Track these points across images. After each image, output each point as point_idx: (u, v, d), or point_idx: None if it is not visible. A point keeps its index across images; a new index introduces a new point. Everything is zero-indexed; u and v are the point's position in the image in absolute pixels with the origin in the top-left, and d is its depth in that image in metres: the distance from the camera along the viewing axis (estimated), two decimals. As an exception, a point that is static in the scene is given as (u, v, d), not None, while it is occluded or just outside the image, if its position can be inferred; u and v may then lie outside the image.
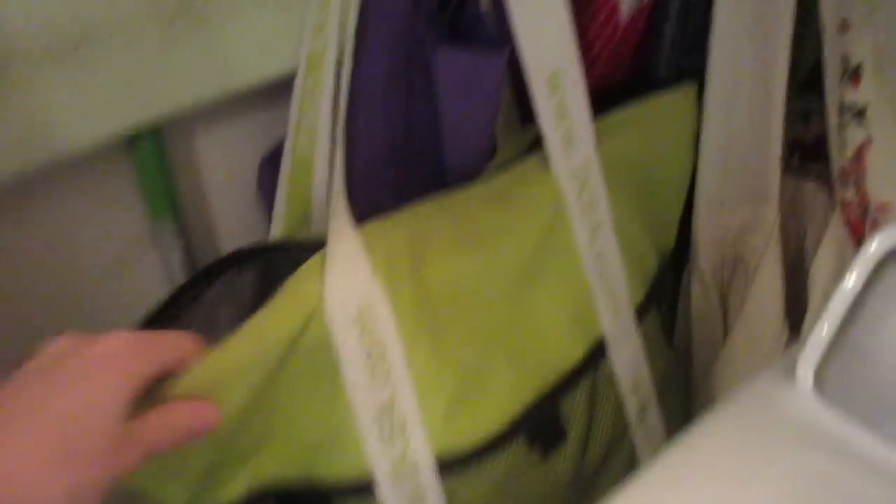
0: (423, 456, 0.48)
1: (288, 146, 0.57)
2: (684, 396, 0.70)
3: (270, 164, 0.60)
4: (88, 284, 0.55)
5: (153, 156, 0.52)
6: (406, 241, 0.49)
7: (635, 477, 0.42)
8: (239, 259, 0.49)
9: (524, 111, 0.63)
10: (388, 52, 0.53)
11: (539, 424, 0.54)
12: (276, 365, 0.44)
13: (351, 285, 0.46)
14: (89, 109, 0.44)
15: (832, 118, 0.57)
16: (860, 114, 0.56)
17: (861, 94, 0.56)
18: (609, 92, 0.62)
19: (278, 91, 0.57)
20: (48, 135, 0.43)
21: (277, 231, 0.59)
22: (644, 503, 0.41)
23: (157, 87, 0.46)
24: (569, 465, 0.56)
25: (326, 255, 0.46)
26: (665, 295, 0.66)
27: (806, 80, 0.63)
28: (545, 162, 0.55)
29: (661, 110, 0.62)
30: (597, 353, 0.58)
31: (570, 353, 0.56)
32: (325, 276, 0.45)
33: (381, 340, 0.46)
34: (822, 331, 0.45)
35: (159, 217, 0.55)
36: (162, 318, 0.47)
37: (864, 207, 0.58)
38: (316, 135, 0.54)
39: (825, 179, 0.62)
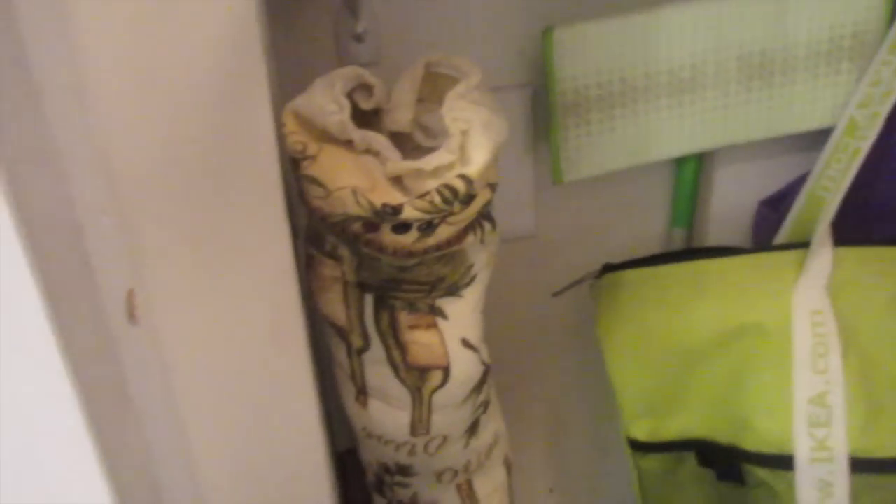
0: (840, 447, 0.57)
1: (806, 188, 0.66)
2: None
3: (770, 205, 0.71)
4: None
5: (692, 177, 0.71)
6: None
7: None
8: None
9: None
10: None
11: None
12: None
13: (813, 292, 0.57)
14: (677, 135, 0.65)
15: None
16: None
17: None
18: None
19: (797, 143, 0.69)
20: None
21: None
22: None
23: (722, 124, 0.65)
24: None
25: (805, 264, 0.58)
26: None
27: None
28: None
29: None
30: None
31: None
32: (799, 279, 0.57)
33: (826, 342, 0.56)
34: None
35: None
36: None
37: None
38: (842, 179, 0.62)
39: None
